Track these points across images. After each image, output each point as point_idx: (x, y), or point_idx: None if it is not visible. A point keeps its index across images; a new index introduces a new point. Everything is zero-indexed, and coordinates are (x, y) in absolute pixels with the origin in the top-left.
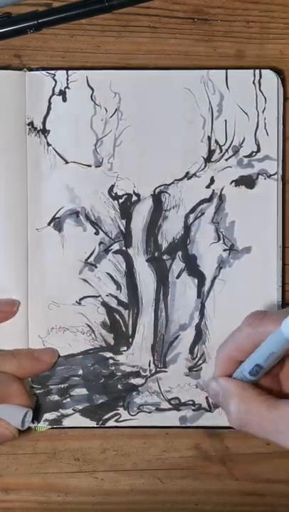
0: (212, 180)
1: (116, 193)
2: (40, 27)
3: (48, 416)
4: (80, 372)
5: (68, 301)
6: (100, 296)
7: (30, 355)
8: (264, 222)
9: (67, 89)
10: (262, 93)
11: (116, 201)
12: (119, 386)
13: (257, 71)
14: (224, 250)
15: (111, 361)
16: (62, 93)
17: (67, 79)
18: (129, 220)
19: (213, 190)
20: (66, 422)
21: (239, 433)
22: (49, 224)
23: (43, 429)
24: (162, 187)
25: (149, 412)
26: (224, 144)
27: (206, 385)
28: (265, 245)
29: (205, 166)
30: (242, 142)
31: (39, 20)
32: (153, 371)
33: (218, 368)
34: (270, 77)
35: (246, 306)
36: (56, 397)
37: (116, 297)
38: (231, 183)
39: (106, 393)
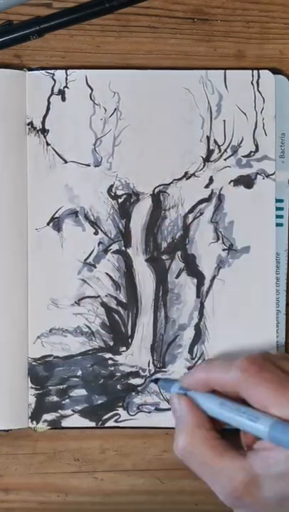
0: (211, 180)
1: (115, 193)
2: (42, 32)
3: (47, 417)
4: (79, 373)
5: (67, 302)
6: (99, 296)
7: None
8: (262, 221)
9: (66, 89)
10: (260, 93)
11: (115, 201)
12: (118, 386)
13: (255, 71)
14: (223, 250)
15: (110, 362)
16: (62, 93)
17: (66, 78)
18: (128, 220)
19: (212, 190)
20: (65, 423)
21: None
22: (48, 224)
23: (42, 429)
24: (161, 187)
25: (149, 412)
26: (223, 144)
27: (173, 395)
28: (264, 245)
29: (204, 165)
30: (240, 142)
31: (41, 26)
32: (152, 371)
33: (190, 380)
34: (268, 78)
35: (245, 305)
36: (55, 398)
37: (115, 297)
38: (230, 182)
39: (105, 394)
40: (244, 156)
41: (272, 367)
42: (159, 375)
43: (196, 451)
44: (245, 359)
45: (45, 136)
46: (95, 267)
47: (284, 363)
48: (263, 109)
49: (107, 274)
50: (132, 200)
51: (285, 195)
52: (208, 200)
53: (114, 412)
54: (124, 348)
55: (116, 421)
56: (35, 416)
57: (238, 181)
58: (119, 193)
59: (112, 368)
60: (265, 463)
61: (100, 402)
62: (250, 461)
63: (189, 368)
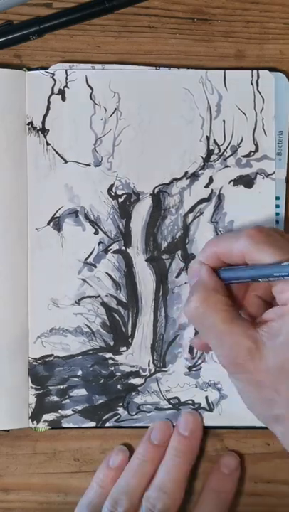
0: (211, 180)
1: (115, 193)
2: (42, 32)
3: (47, 417)
4: (80, 372)
5: (67, 302)
6: (99, 296)
7: None
8: (262, 221)
9: (66, 89)
10: (260, 93)
11: (115, 200)
12: (118, 386)
13: (255, 71)
14: None
15: (110, 361)
16: (62, 92)
17: (67, 78)
18: (128, 220)
19: (212, 189)
20: (66, 423)
21: (239, 433)
22: (48, 223)
23: (42, 429)
24: (161, 186)
25: (149, 412)
26: (223, 144)
27: (193, 262)
28: None
29: (204, 165)
30: (240, 142)
31: (41, 26)
32: (152, 371)
33: (203, 256)
34: (267, 78)
35: None
36: (55, 398)
37: (115, 297)
38: (230, 182)
39: (105, 393)
40: (244, 156)
41: (279, 235)
42: None
43: (207, 313)
44: (253, 228)
45: (45, 136)
46: (95, 267)
47: None
48: (262, 109)
49: (107, 273)
50: (132, 200)
51: (283, 192)
52: (208, 199)
53: (115, 411)
54: (124, 348)
55: (116, 421)
56: (36, 416)
57: (238, 181)
58: (119, 192)
59: (113, 368)
60: (270, 332)
61: (100, 401)
62: (257, 329)
63: (189, 368)
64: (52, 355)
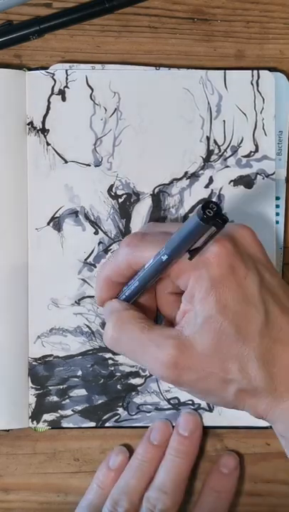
0: (211, 180)
1: (115, 193)
2: (42, 32)
3: (47, 417)
4: (79, 373)
5: (67, 302)
6: None
7: None
8: (262, 221)
9: (66, 89)
10: (260, 93)
11: (115, 201)
12: (118, 386)
13: (255, 71)
14: None
15: (110, 361)
16: (62, 92)
17: (67, 78)
18: (128, 220)
19: (212, 190)
20: (65, 423)
21: (239, 433)
22: (48, 223)
23: (42, 429)
24: (161, 186)
25: (149, 412)
26: (223, 144)
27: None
28: (264, 245)
29: (204, 165)
30: (240, 142)
31: (41, 26)
32: None
33: (98, 291)
34: (268, 78)
35: None
36: (55, 398)
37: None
38: (230, 182)
39: (105, 393)
40: (244, 156)
41: (154, 228)
42: None
43: (125, 329)
44: (127, 236)
45: (45, 136)
46: (95, 267)
47: (166, 225)
48: (262, 109)
49: None
50: (132, 200)
51: (282, 192)
52: None
53: (115, 411)
54: None
55: (116, 421)
56: (36, 416)
57: (238, 181)
58: (119, 192)
59: (112, 368)
60: (189, 322)
61: (100, 402)
62: (176, 328)
63: None
64: (52, 355)
